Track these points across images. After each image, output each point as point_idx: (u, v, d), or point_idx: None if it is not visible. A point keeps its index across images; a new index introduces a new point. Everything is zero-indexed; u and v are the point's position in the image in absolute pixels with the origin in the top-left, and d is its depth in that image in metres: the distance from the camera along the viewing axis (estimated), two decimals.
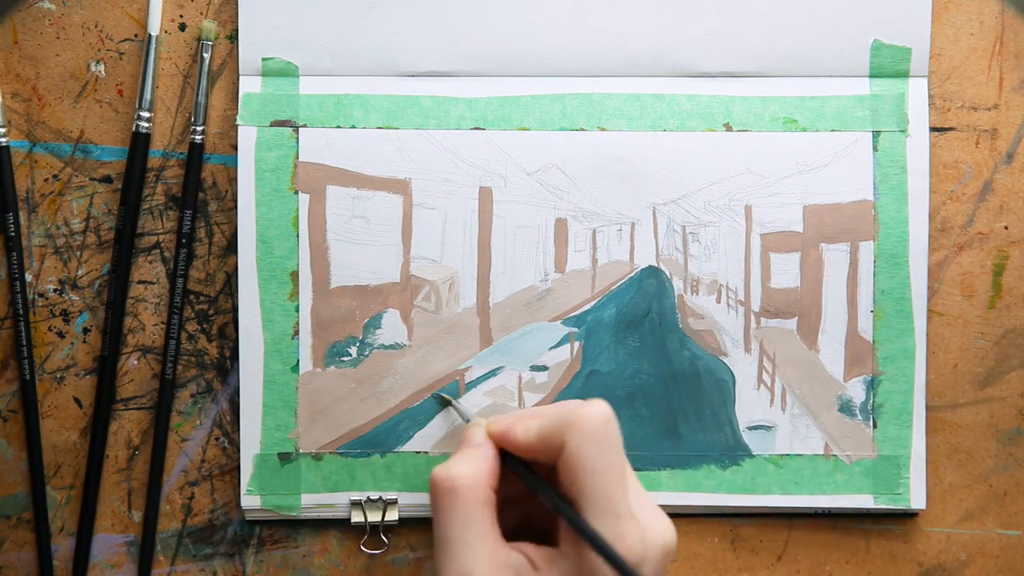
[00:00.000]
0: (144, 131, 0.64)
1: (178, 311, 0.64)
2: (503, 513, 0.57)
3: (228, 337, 0.65)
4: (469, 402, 0.65)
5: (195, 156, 0.64)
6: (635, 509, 0.54)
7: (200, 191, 0.65)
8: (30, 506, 0.65)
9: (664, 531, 0.55)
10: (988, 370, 0.66)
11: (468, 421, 0.63)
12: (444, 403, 0.64)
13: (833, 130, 0.65)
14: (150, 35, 0.64)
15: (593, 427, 0.54)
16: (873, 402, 0.65)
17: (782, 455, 0.65)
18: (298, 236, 0.64)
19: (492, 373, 0.65)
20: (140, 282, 0.65)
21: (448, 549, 0.55)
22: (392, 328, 0.65)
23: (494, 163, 0.65)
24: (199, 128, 0.64)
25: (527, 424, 0.57)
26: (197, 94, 0.64)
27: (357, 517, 0.65)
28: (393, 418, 0.65)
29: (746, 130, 0.65)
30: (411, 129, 0.64)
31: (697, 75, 0.65)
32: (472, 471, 0.56)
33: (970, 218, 0.66)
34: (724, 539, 0.66)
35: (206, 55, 0.64)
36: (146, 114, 0.64)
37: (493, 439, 0.58)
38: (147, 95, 0.64)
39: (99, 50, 0.65)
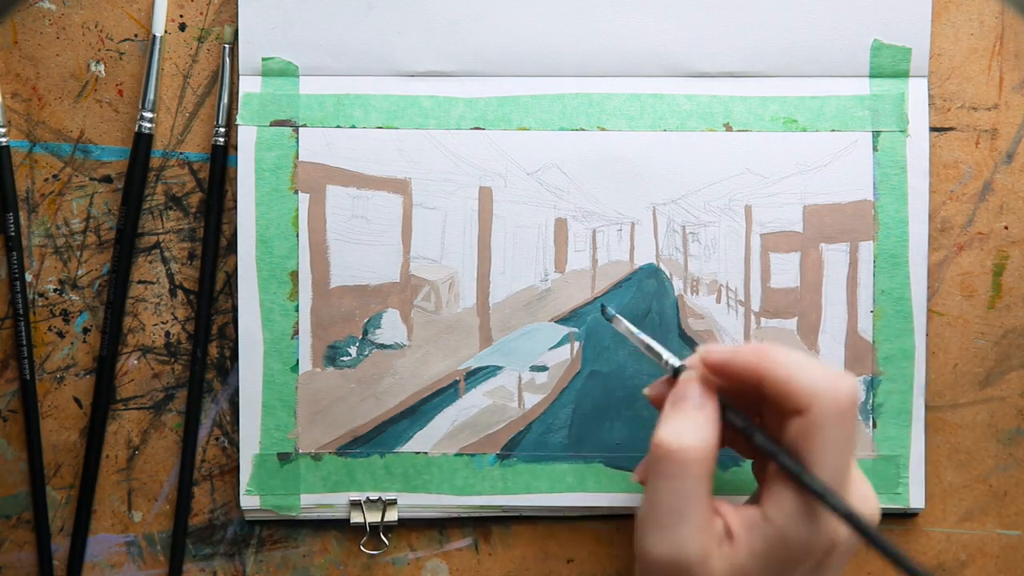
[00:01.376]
0: (147, 131, 0.64)
1: (205, 311, 0.64)
2: None
3: (228, 337, 0.65)
4: (469, 402, 0.65)
5: (218, 158, 0.64)
6: (853, 487, 0.54)
7: (200, 191, 0.65)
8: (30, 506, 0.65)
9: (873, 510, 0.55)
10: (988, 370, 0.66)
11: (668, 364, 0.58)
12: (609, 319, 0.62)
13: (833, 130, 0.65)
14: (154, 35, 0.64)
15: (843, 406, 0.52)
16: (873, 402, 0.65)
17: None
18: (298, 236, 0.64)
19: (492, 373, 0.65)
20: (140, 282, 0.65)
21: (663, 519, 0.53)
22: (392, 328, 0.65)
23: (494, 163, 0.65)
24: (222, 130, 0.64)
25: (765, 364, 0.54)
26: (220, 96, 0.64)
27: (357, 517, 0.65)
28: (393, 418, 0.65)
29: (746, 130, 0.65)
30: (411, 129, 0.64)
31: (697, 75, 0.65)
32: (702, 441, 0.53)
33: (970, 218, 0.66)
34: None
35: (228, 59, 0.64)
36: (149, 114, 0.64)
37: (709, 367, 0.55)
38: (150, 95, 0.64)
39: (99, 50, 0.65)
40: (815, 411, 0.52)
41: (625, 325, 0.60)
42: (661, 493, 0.53)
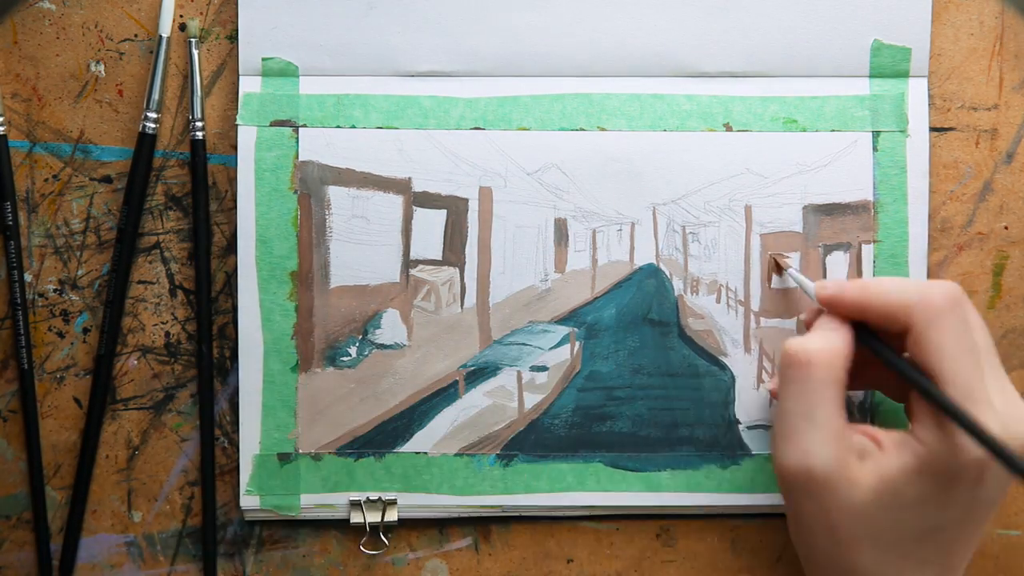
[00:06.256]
0: (151, 132, 0.64)
1: (206, 310, 0.64)
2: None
3: (228, 337, 0.65)
4: (469, 402, 0.65)
5: (199, 153, 0.64)
6: (993, 397, 0.53)
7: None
8: (30, 506, 0.65)
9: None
10: None
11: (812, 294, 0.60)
12: (779, 269, 0.64)
13: (833, 130, 0.65)
14: (161, 36, 0.64)
15: (940, 308, 0.53)
16: (871, 401, 0.65)
17: None
18: (298, 236, 0.64)
19: (492, 373, 0.65)
20: (140, 282, 0.65)
21: (791, 425, 0.54)
22: (392, 328, 0.65)
23: (494, 163, 0.65)
24: (199, 124, 0.64)
25: (867, 294, 0.55)
26: (192, 92, 0.64)
27: (357, 517, 0.65)
28: (393, 418, 0.65)
29: (746, 130, 0.65)
30: (411, 129, 0.64)
31: (697, 75, 0.65)
32: (828, 347, 0.54)
33: (970, 218, 0.66)
34: (724, 539, 0.66)
35: (195, 51, 0.64)
36: (153, 115, 0.64)
37: (821, 302, 0.57)
38: (155, 96, 0.64)
39: (99, 50, 0.65)
40: (916, 324, 0.53)
41: (796, 276, 0.62)
42: (788, 401, 0.54)
